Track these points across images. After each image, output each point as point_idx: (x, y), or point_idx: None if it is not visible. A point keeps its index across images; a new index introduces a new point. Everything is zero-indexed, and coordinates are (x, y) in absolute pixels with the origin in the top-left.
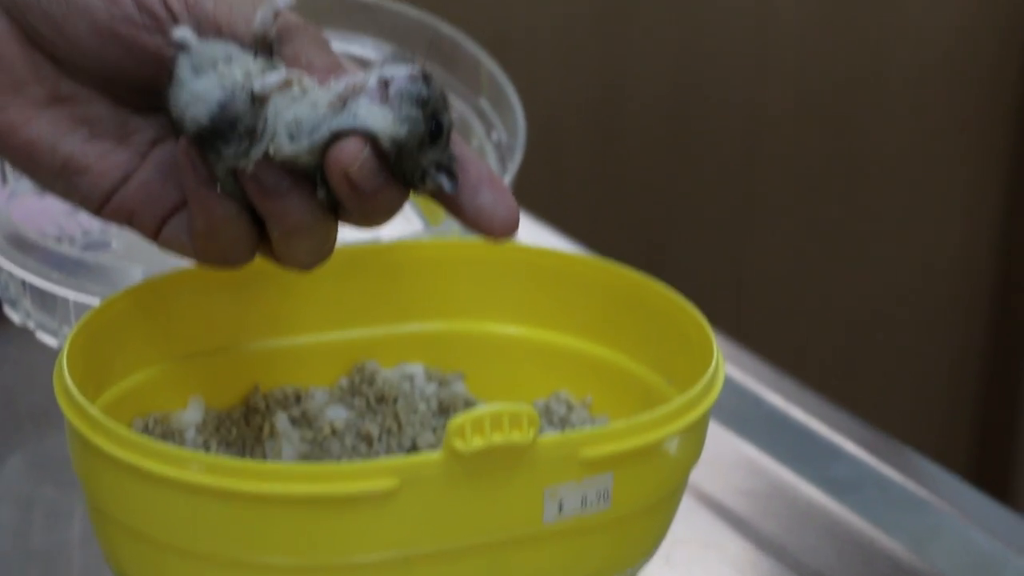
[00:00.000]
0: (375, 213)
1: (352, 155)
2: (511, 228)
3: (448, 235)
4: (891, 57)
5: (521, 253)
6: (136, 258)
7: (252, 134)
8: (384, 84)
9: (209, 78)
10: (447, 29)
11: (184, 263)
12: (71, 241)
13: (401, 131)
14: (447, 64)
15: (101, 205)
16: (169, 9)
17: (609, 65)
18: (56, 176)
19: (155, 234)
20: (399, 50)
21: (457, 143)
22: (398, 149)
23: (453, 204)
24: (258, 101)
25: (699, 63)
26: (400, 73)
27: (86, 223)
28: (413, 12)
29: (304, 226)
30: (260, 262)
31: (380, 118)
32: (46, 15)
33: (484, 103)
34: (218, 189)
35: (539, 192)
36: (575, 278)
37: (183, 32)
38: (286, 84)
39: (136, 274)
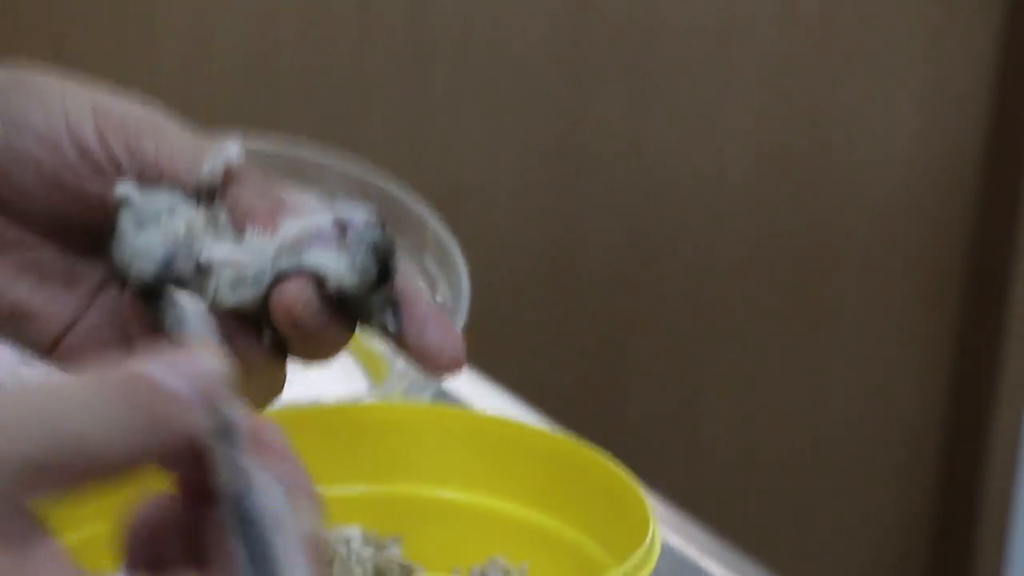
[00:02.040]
0: (320, 350)
1: (295, 296)
2: (456, 365)
3: (390, 396)
4: (841, 204)
5: (463, 419)
6: None
7: (196, 294)
8: (341, 227)
9: (151, 234)
10: (394, 188)
11: None
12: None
13: (353, 278)
14: (393, 221)
15: (50, 349)
16: (111, 155)
17: (562, 220)
18: (3, 321)
19: None
20: (345, 193)
21: (405, 278)
22: (344, 292)
23: (399, 341)
24: (202, 270)
25: (653, 217)
26: (357, 218)
27: (41, 372)
28: (360, 170)
29: (253, 368)
30: None
31: (330, 261)
32: None
33: (429, 262)
34: (166, 337)
35: (489, 350)
36: (517, 445)
37: (124, 187)
38: (232, 265)
39: None
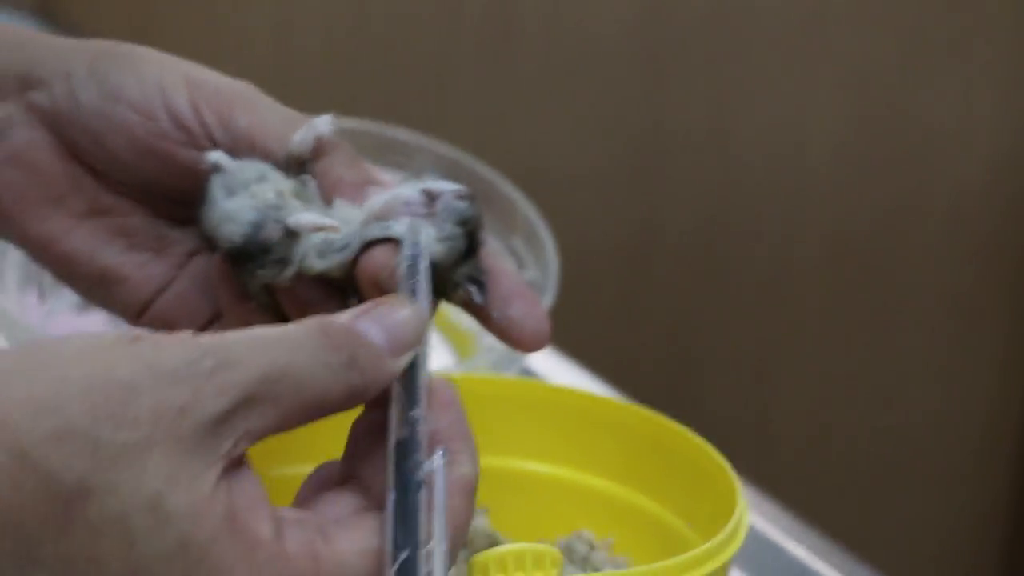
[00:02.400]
0: None
1: (382, 262)
2: (540, 341)
3: (477, 370)
4: (919, 198)
5: (548, 392)
6: None
7: (284, 258)
8: (429, 198)
9: (242, 199)
10: (483, 169)
11: None
12: None
13: (440, 248)
14: (483, 203)
15: (139, 314)
16: (204, 125)
17: (642, 207)
18: (95, 286)
19: None
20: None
21: (491, 254)
22: (431, 262)
23: (483, 315)
24: (291, 234)
25: (732, 206)
26: (446, 188)
27: None
28: (450, 151)
29: None
30: None
31: (410, 231)
32: (86, 130)
33: (518, 242)
34: (252, 302)
35: (570, 331)
36: (600, 419)
37: (216, 155)
38: (319, 228)
39: None
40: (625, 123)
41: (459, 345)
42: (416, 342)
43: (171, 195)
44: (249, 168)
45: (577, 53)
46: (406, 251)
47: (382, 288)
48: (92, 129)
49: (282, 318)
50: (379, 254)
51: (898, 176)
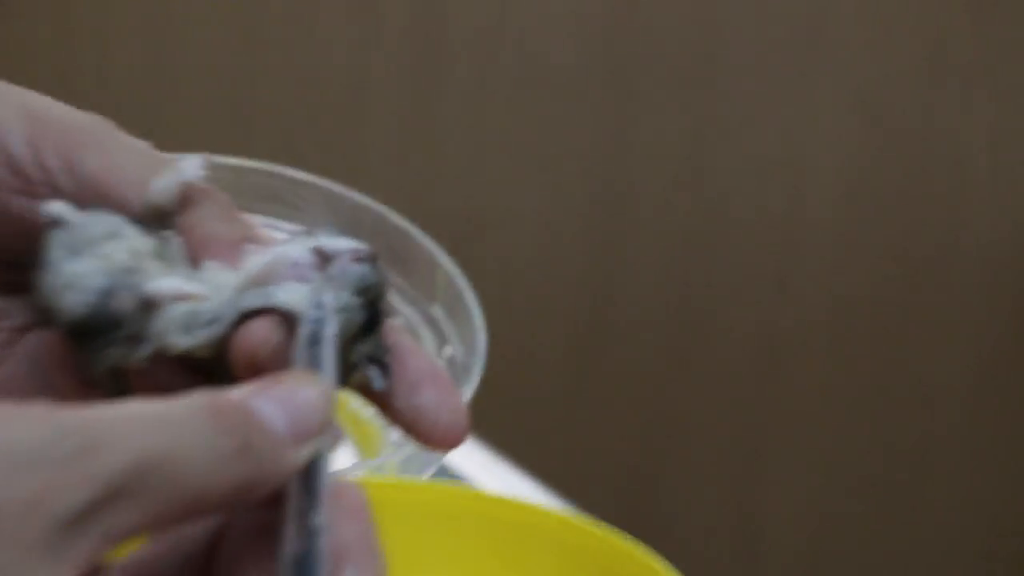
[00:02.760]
0: None
1: (262, 338)
2: (456, 436)
3: (384, 472)
4: (943, 253)
5: (472, 502)
6: None
7: (138, 334)
8: (322, 258)
9: (87, 261)
10: (396, 218)
11: None
12: None
13: (334, 322)
14: (395, 261)
15: None
16: (44, 169)
17: (598, 266)
18: None
19: None
20: (329, 223)
21: (393, 331)
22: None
23: (386, 403)
24: (147, 305)
25: (709, 265)
26: (342, 248)
27: None
28: (355, 196)
29: None
30: None
31: (306, 300)
32: None
33: (438, 311)
34: (98, 389)
35: (502, 423)
36: (537, 535)
37: (57, 206)
38: (183, 297)
39: None
40: (577, 161)
41: (361, 440)
42: (321, 430)
43: (0, 255)
44: (97, 223)
45: (519, 76)
46: (308, 317)
47: (260, 370)
48: None
49: None
50: (258, 328)
51: (914, 224)
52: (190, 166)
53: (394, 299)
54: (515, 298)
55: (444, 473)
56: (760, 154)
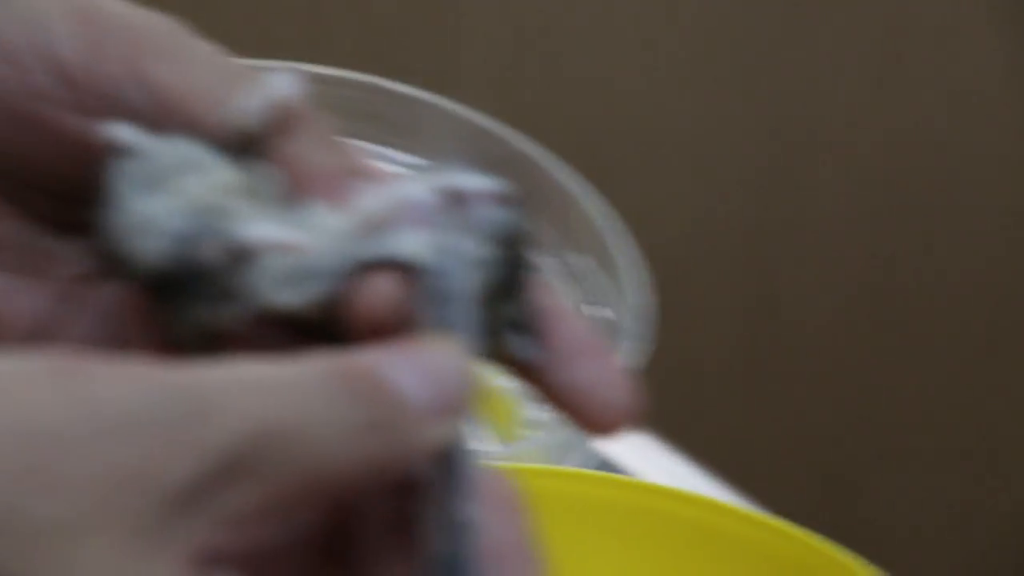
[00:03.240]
0: None
1: (385, 296)
2: (620, 419)
3: (526, 459)
4: None
5: (643, 496)
6: None
7: (229, 289)
8: (454, 199)
9: (163, 200)
10: (531, 147)
11: None
12: None
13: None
14: (530, 199)
15: None
16: (103, 79)
17: (776, 205)
18: None
19: None
20: (457, 155)
21: (542, 289)
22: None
23: (534, 378)
24: (241, 255)
25: (903, 239)
26: (479, 187)
27: None
28: (483, 120)
29: None
30: None
31: (435, 253)
32: None
33: (583, 260)
34: (183, 353)
35: (669, 404)
36: (718, 538)
37: (122, 130)
38: (284, 247)
39: None
40: (744, 77)
41: (498, 418)
42: (463, 403)
43: (52, 187)
44: (173, 150)
45: None
46: (439, 271)
47: (381, 334)
48: None
49: None
50: (381, 284)
51: None
52: (282, 82)
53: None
54: (676, 248)
55: (601, 464)
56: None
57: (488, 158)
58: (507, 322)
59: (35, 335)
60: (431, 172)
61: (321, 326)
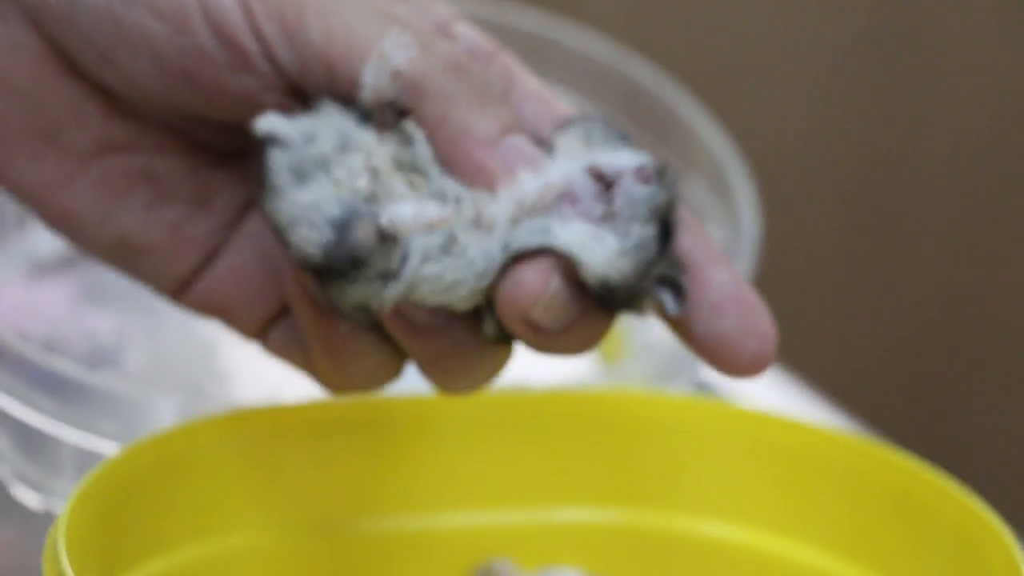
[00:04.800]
0: (565, 350)
1: (535, 292)
2: (762, 365)
3: (631, 381)
4: None
5: (739, 420)
6: (164, 382)
7: (388, 271)
8: (603, 183)
9: (318, 188)
10: (646, 76)
11: (233, 399)
12: (68, 351)
13: (623, 264)
14: (640, 122)
15: (177, 293)
16: (260, 39)
17: (887, 136)
18: (111, 254)
19: (258, 336)
20: (595, 110)
21: (692, 237)
22: (609, 283)
23: (681, 328)
24: (389, 237)
25: (1016, 125)
26: (625, 166)
27: (91, 326)
28: (602, 50)
29: (466, 366)
30: (351, 407)
31: (588, 240)
32: (89, 39)
33: (698, 185)
34: (345, 323)
35: (777, 315)
36: (821, 463)
37: (272, 121)
38: (430, 225)
39: (164, 408)
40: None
41: (604, 343)
42: None
43: (215, 126)
44: (324, 132)
45: None
46: (592, 271)
47: (535, 326)
48: (97, 38)
49: (387, 342)
50: (529, 279)
51: None
52: (393, 46)
53: None
54: (789, 173)
55: (703, 386)
56: None
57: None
58: (656, 279)
59: (201, 262)
60: (577, 149)
61: (476, 307)
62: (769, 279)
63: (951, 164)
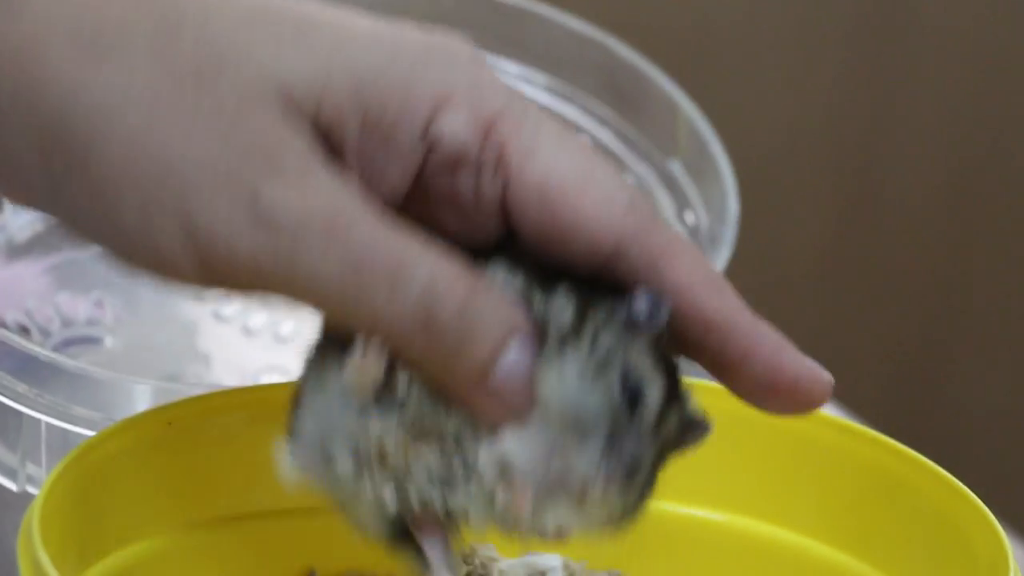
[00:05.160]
0: None
1: None
2: (821, 404)
3: None
4: None
5: (722, 401)
6: (142, 365)
7: None
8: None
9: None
10: (627, 53)
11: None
12: (44, 334)
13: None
14: (625, 108)
15: None
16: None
17: (872, 105)
18: None
19: None
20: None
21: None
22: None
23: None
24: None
25: (995, 128)
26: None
27: (68, 308)
28: (583, 28)
29: None
30: None
31: None
32: None
33: (676, 167)
34: None
35: (756, 304)
36: (808, 447)
37: None
38: None
39: (141, 392)
40: None
41: None
42: None
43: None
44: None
45: None
46: None
47: None
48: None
49: None
50: None
51: None
52: None
53: (621, 151)
54: (767, 158)
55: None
56: None
57: (589, 65)
58: (676, 425)
59: None
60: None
61: None
62: (747, 263)
63: (934, 150)
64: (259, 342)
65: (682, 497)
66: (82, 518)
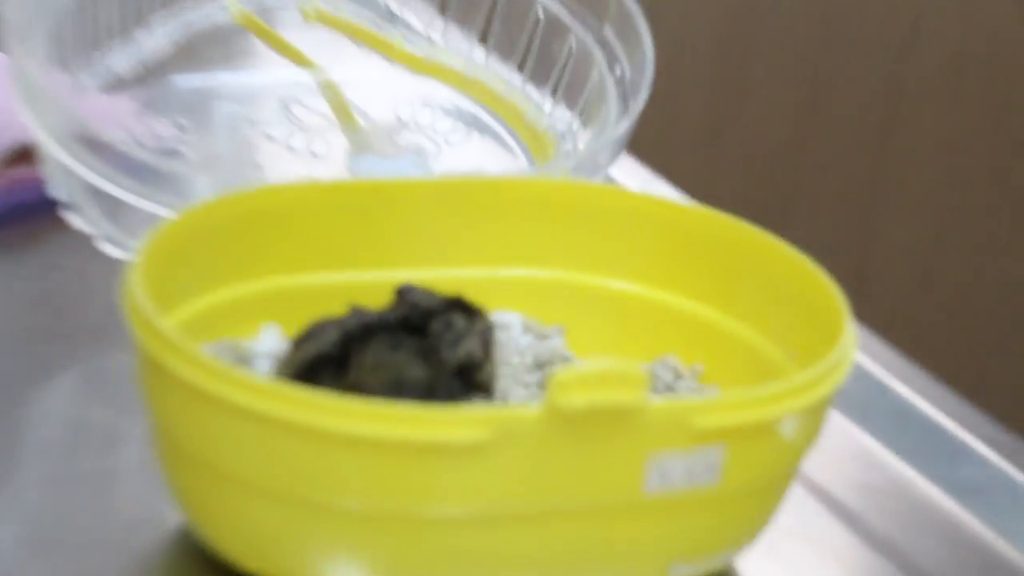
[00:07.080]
0: None
1: None
2: None
3: (556, 175)
4: None
5: (635, 201)
6: (207, 169)
7: None
8: None
9: None
10: None
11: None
12: (139, 146)
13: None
14: None
15: None
16: None
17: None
18: None
19: None
20: None
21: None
22: None
23: None
24: None
25: (841, 24)
26: None
27: (156, 127)
28: None
29: None
30: (344, 188)
31: None
32: None
33: (608, 32)
34: None
35: (653, 139)
36: (692, 233)
37: None
38: None
39: (202, 185)
40: None
41: (535, 148)
42: None
43: None
44: None
45: None
46: None
47: None
48: None
49: None
50: None
51: None
52: None
53: (568, 21)
54: (671, 21)
55: (609, 181)
56: None
57: None
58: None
59: None
60: None
61: None
62: (647, 105)
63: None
64: (299, 157)
65: (603, 272)
66: (166, 275)
